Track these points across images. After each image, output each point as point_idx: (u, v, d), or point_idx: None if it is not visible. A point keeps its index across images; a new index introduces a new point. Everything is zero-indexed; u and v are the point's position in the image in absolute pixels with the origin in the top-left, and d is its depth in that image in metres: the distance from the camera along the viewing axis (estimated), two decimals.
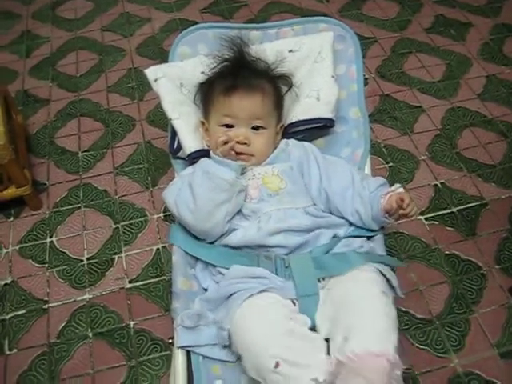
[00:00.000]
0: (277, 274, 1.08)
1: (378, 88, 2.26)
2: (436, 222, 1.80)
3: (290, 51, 1.34)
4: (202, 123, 1.29)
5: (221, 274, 1.14)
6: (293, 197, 1.18)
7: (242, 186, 1.14)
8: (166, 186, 1.22)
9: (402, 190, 1.12)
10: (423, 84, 2.29)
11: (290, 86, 1.31)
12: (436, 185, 1.91)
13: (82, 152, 2.08)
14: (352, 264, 1.08)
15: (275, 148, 1.27)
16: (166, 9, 2.79)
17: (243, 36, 1.33)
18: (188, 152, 1.27)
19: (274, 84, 1.26)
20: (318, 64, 1.33)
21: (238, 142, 1.17)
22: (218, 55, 1.31)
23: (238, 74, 1.21)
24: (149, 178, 1.98)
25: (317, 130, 1.34)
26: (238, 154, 1.18)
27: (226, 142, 1.15)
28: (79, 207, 1.89)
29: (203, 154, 1.25)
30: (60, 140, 2.13)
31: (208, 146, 1.27)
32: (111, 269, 1.72)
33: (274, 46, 1.36)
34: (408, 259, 1.71)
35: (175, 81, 1.34)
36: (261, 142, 1.22)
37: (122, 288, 1.67)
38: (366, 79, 2.27)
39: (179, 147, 1.31)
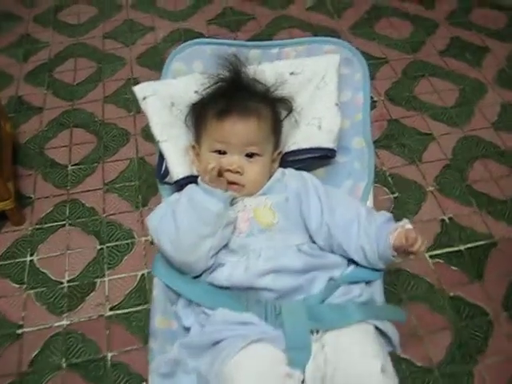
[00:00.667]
0: (266, 320, 1.00)
1: (387, 112, 2.17)
2: (441, 261, 1.69)
3: (292, 73, 1.26)
4: (193, 147, 1.20)
5: (205, 314, 1.06)
6: (286, 233, 1.09)
7: (231, 219, 1.06)
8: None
9: (410, 225, 1.03)
10: (435, 110, 2.19)
11: (290, 110, 1.23)
12: (443, 220, 1.81)
13: (72, 165, 2.00)
14: (350, 318, 0.99)
15: (270, 177, 1.18)
16: (171, 17, 2.71)
17: (241, 55, 1.24)
18: (175, 178, 1.18)
19: (271, 108, 1.18)
20: (321, 90, 1.25)
21: (229, 171, 1.09)
22: (213, 74, 1.22)
23: (233, 96, 1.13)
24: (139, 197, 1.90)
25: (317, 159, 1.25)
26: (229, 183, 1.09)
27: (219, 172, 1.06)
28: (64, 225, 1.81)
29: (192, 180, 1.17)
30: (50, 151, 2.06)
31: (198, 172, 1.18)
32: (92, 293, 1.63)
33: (274, 66, 1.27)
34: (409, 300, 1.61)
35: (166, 99, 1.25)
36: (255, 170, 1.13)
37: (102, 315, 1.58)
38: (373, 102, 2.18)
39: (167, 172, 1.21)
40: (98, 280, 1.65)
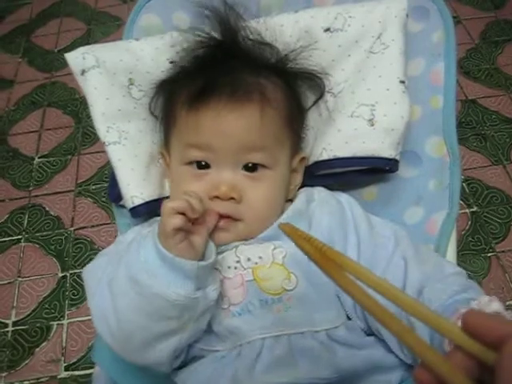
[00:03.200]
0: None
1: (460, 91, 1.78)
2: None
3: (327, 30, 0.87)
4: (162, 155, 0.85)
5: None
6: (307, 309, 0.72)
7: (211, 302, 0.69)
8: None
9: (497, 305, 0.58)
10: None
11: (321, 93, 0.85)
12: None
13: (39, 158, 1.71)
14: None
15: (290, 200, 0.82)
16: None
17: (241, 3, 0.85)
18: (130, 203, 0.81)
19: (287, 87, 0.82)
20: (376, 58, 0.86)
21: (217, 197, 0.74)
22: (200, 32, 0.82)
23: (219, 67, 0.77)
24: None
25: (365, 172, 0.88)
26: (221, 216, 0.74)
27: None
28: (19, 240, 1.51)
29: (158, 206, 0.76)
30: (14, 138, 1.77)
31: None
32: (44, 343, 1.30)
33: (298, 19, 0.88)
34: None
35: (119, 74, 0.86)
36: (260, 194, 0.76)
37: (54, 377, 1.25)
38: None
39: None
40: (55, 323, 1.34)
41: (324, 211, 0.79)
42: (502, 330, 0.35)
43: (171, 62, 0.85)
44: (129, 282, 0.65)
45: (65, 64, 1.80)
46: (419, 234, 0.85)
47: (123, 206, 0.87)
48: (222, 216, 0.73)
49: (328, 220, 0.78)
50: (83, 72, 0.84)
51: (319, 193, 0.83)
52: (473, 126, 1.70)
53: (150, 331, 0.66)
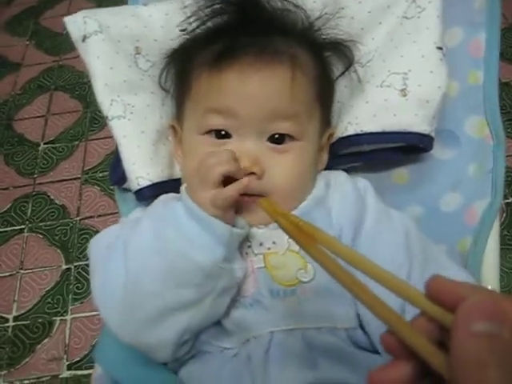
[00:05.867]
0: None
1: None
2: None
3: None
4: (173, 128, 0.79)
5: None
6: (326, 304, 0.66)
7: (235, 279, 0.65)
8: None
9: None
10: None
11: (350, 62, 0.80)
12: None
13: (45, 143, 1.68)
14: None
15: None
16: None
17: None
18: (136, 185, 0.75)
19: (317, 56, 0.76)
20: (410, 23, 0.79)
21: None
22: None
23: (244, 31, 0.71)
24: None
25: (395, 151, 0.81)
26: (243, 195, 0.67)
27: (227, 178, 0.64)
28: (22, 230, 1.48)
29: (167, 188, 0.76)
30: (20, 124, 1.75)
31: (182, 173, 0.78)
32: (46, 340, 1.27)
33: None
34: None
35: (124, 42, 0.81)
36: (288, 169, 0.70)
37: (56, 377, 1.21)
38: None
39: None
40: (58, 319, 1.30)
41: (341, 197, 0.73)
42: (460, 293, 0.37)
43: (182, 30, 0.78)
44: (152, 238, 0.62)
45: (73, 46, 1.79)
46: (456, 223, 0.79)
47: (127, 190, 0.81)
48: (242, 195, 0.66)
49: (348, 209, 0.71)
50: (84, 38, 0.78)
51: (336, 178, 0.76)
52: (507, 111, 1.59)
53: (163, 299, 0.62)
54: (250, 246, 0.68)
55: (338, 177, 0.76)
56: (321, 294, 0.66)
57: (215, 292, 0.62)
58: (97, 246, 0.70)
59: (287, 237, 0.66)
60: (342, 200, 0.73)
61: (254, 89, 0.68)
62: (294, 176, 0.70)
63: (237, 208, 0.66)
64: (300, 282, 0.66)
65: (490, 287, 0.77)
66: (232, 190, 0.60)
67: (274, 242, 0.68)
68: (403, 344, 0.38)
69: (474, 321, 0.34)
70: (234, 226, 0.62)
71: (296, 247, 0.68)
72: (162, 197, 0.73)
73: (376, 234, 0.71)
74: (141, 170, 0.75)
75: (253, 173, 0.67)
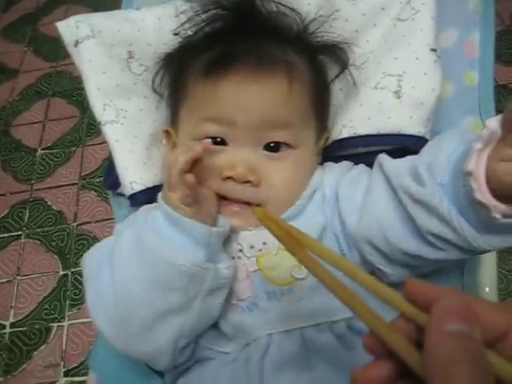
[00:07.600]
0: None
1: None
2: None
3: None
4: (167, 133, 0.78)
5: None
6: (324, 298, 0.65)
7: (223, 280, 0.64)
8: None
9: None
10: None
11: (345, 65, 0.79)
12: None
13: (42, 149, 1.68)
14: None
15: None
16: None
17: None
18: (129, 190, 0.76)
19: (313, 61, 0.76)
20: (404, 25, 0.79)
21: (231, 178, 0.68)
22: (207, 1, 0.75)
23: (240, 37, 0.71)
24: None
25: (390, 153, 0.76)
26: (232, 201, 0.69)
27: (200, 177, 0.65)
28: (19, 236, 1.49)
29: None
30: (17, 129, 1.76)
31: None
32: (43, 347, 1.27)
33: None
34: None
35: (117, 46, 0.81)
36: (283, 177, 0.71)
37: (53, 383, 1.22)
38: None
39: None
40: (55, 325, 1.30)
41: (331, 180, 0.74)
42: (434, 294, 0.39)
43: (175, 34, 0.78)
44: (134, 247, 0.62)
45: None
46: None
47: (122, 195, 0.81)
48: (235, 201, 0.67)
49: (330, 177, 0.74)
50: (77, 43, 0.79)
51: (327, 167, 0.77)
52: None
53: (151, 306, 0.62)
54: (241, 250, 0.68)
55: (329, 165, 0.77)
56: (317, 288, 0.65)
57: (202, 293, 0.62)
58: (89, 261, 0.70)
59: None
60: (333, 170, 0.75)
61: (251, 99, 0.68)
62: (290, 184, 0.71)
63: (226, 212, 0.67)
64: (295, 279, 0.66)
65: (487, 290, 0.77)
66: (182, 161, 0.60)
67: (264, 243, 0.68)
68: (383, 344, 0.39)
69: (447, 321, 0.36)
70: (214, 225, 0.63)
71: None
72: (143, 207, 0.73)
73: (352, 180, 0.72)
74: (134, 174, 0.76)
75: (249, 181, 0.67)
